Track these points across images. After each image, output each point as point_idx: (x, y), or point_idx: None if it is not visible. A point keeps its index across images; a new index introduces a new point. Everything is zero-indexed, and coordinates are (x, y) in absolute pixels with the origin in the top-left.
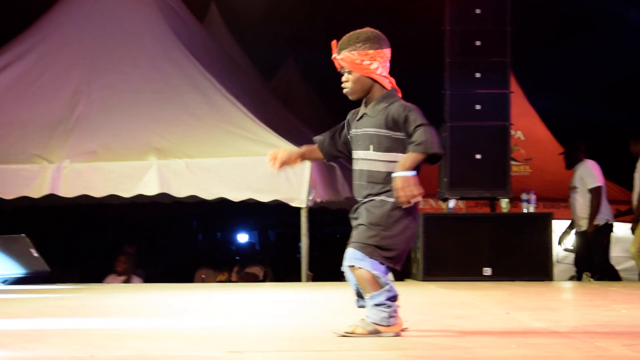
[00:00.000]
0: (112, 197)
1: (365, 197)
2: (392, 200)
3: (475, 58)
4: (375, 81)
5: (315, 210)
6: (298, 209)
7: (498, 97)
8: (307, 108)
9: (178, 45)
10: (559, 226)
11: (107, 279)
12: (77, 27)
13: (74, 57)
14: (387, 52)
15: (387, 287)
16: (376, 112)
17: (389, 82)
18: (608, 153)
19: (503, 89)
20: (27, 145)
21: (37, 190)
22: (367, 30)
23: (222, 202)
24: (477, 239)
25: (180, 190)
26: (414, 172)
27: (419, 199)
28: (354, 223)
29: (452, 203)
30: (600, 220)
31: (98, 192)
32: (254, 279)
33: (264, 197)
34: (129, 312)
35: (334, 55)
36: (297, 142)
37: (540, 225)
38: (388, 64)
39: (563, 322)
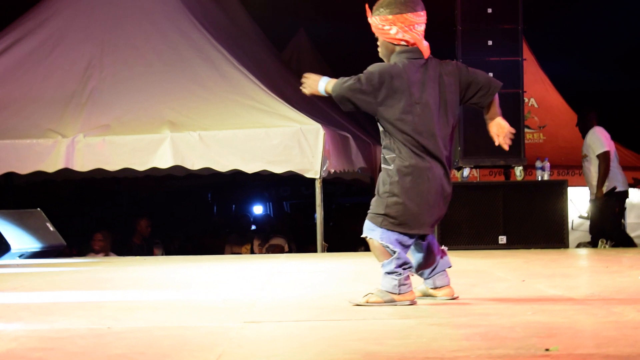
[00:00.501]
0: (127, 171)
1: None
2: (391, 167)
3: (486, 25)
4: (397, 46)
5: (329, 181)
6: (312, 180)
7: (510, 65)
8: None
9: (189, 18)
10: (574, 193)
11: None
12: (88, 2)
13: (86, 32)
14: (410, 17)
15: (396, 255)
16: None
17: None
18: (623, 119)
19: (515, 56)
20: (40, 120)
21: (51, 165)
22: None
23: (237, 174)
24: (491, 207)
25: (194, 162)
26: (323, 90)
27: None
28: None
29: (466, 172)
30: (608, 187)
31: (112, 165)
32: (280, 250)
33: (278, 169)
34: (144, 284)
35: (369, 19)
36: (310, 113)
37: (555, 193)
38: (417, 28)
39: (578, 288)
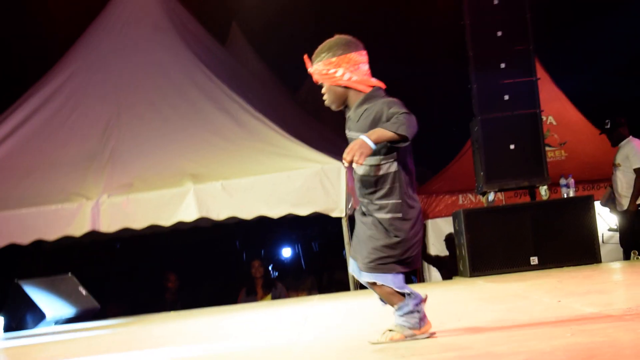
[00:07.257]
0: (153, 227)
1: (365, 200)
2: (389, 216)
3: (498, 49)
4: (347, 87)
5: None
6: (339, 219)
7: (525, 85)
8: (337, 115)
9: (202, 70)
10: (601, 207)
11: None
12: (101, 62)
13: (102, 92)
14: (353, 56)
15: (411, 296)
16: (358, 115)
17: (365, 86)
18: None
19: (529, 77)
20: (64, 184)
21: (78, 228)
22: (334, 38)
23: (262, 219)
24: (520, 229)
25: (219, 212)
26: (372, 144)
27: (354, 166)
28: (364, 219)
29: (491, 196)
30: None
31: (138, 223)
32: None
33: (303, 211)
34: (181, 340)
35: (309, 70)
36: (330, 152)
37: (582, 209)
38: (362, 67)
39: (615, 304)
